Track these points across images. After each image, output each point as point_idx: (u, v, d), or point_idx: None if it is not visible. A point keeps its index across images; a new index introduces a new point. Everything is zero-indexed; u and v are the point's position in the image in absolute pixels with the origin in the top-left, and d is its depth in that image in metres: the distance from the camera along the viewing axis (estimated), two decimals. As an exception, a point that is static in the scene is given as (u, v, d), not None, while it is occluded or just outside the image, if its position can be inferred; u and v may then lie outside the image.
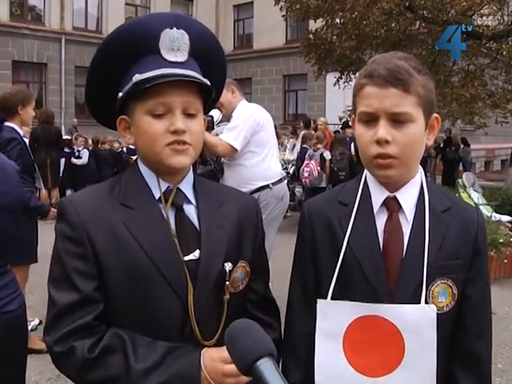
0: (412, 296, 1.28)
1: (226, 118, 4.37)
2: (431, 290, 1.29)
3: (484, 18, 11.65)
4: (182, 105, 1.25)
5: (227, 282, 1.28)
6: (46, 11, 19.50)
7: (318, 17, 12.67)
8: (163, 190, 1.30)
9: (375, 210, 1.36)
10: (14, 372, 2.12)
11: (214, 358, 1.15)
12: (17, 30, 18.32)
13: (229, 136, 4.07)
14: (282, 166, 8.04)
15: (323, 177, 9.24)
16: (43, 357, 3.63)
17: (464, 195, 8.70)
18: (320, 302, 1.33)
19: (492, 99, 11.76)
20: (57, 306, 1.21)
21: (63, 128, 16.65)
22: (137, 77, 1.23)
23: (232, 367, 1.06)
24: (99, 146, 12.68)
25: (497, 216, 7.83)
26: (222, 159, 4.41)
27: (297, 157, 10.36)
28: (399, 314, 1.26)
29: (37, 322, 4.42)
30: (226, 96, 4.10)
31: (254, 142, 4.17)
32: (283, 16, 14.21)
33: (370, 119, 1.29)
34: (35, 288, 4.41)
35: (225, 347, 1.10)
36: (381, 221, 1.35)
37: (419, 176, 1.39)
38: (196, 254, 1.27)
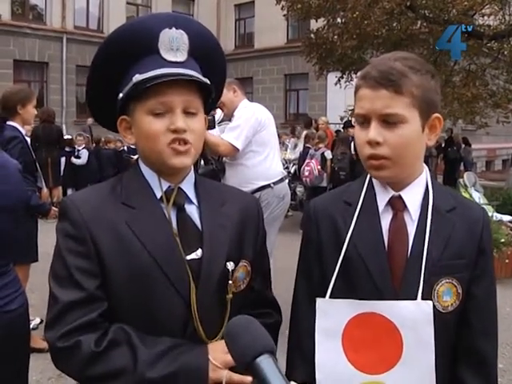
0: (417, 295, 1.27)
1: (228, 117, 4.37)
2: (436, 290, 1.29)
3: (485, 17, 11.62)
4: (182, 104, 1.25)
5: (230, 282, 1.28)
6: (47, 10, 19.51)
7: (319, 16, 12.67)
8: (164, 190, 1.30)
9: (380, 210, 1.36)
10: (15, 371, 2.13)
11: (220, 349, 1.16)
12: (18, 29, 18.32)
13: (230, 136, 4.07)
14: (283, 165, 8.03)
15: (324, 176, 9.25)
16: (44, 356, 3.63)
17: (465, 195, 8.68)
18: (319, 301, 1.34)
19: (493, 99, 11.74)
20: (59, 303, 1.21)
21: (64, 127, 16.68)
22: (137, 77, 1.24)
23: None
24: (101, 145, 12.68)
25: (498, 216, 7.83)
26: (224, 159, 4.41)
27: (299, 156, 10.36)
28: (396, 310, 1.26)
29: (38, 321, 4.42)
30: (227, 95, 4.10)
31: (255, 141, 4.17)
32: (284, 15, 14.21)
33: (364, 121, 1.30)
34: (36, 287, 4.41)
35: None
36: (386, 220, 1.35)
37: (424, 175, 1.38)
38: (198, 253, 1.28)
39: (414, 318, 1.26)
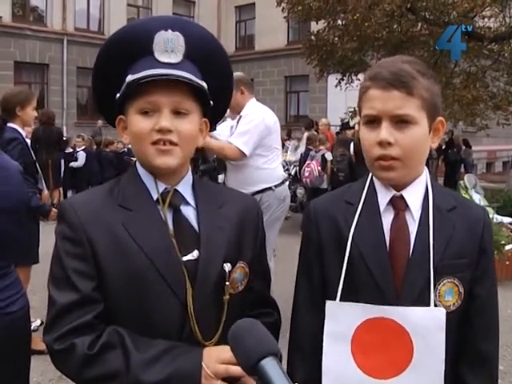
0: (419, 295, 1.28)
1: (233, 117, 4.35)
2: (438, 289, 1.29)
3: (486, 19, 11.63)
4: (171, 104, 1.25)
5: (227, 283, 1.28)
6: (48, 12, 19.52)
7: (319, 18, 12.67)
8: (161, 192, 1.31)
9: (381, 209, 1.36)
10: (15, 371, 2.13)
11: (214, 357, 1.16)
12: (19, 30, 18.34)
13: (239, 140, 4.06)
14: (284, 167, 8.04)
15: (324, 177, 9.26)
16: (45, 357, 3.59)
17: (466, 197, 8.69)
18: (329, 304, 1.33)
19: (494, 101, 11.75)
20: (56, 306, 1.22)
21: (65, 129, 16.68)
22: (129, 77, 1.26)
23: (226, 367, 1.10)
24: (101, 147, 12.67)
25: (498, 218, 7.83)
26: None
27: (300, 158, 10.37)
28: (408, 316, 1.26)
29: (38, 322, 4.41)
30: (234, 96, 4.09)
31: (261, 145, 4.17)
32: (285, 17, 14.21)
33: (374, 121, 1.30)
34: (37, 289, 4.41)
35: (224, 346, 1.11)
36: (387, 220, 1.35)
37: (424, 176, 1.39)
38: (194, 254, 1.28)
39: (426, 324, 1.26)
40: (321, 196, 1.55)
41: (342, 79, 13.68)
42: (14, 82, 17.57)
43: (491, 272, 1.38)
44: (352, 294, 1.31)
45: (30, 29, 18.66)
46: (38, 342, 3.79)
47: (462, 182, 9.83)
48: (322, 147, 9.55)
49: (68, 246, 1.25)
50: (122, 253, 1.23)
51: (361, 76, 11.76)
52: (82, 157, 11.93)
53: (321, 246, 1.40)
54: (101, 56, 1.32)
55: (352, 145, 8.60)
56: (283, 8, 13.14)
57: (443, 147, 15.85)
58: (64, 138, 11.84)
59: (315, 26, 13.68)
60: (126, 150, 12.56)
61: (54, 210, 4.34)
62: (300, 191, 10.81)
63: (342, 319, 1.31)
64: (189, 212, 1.33)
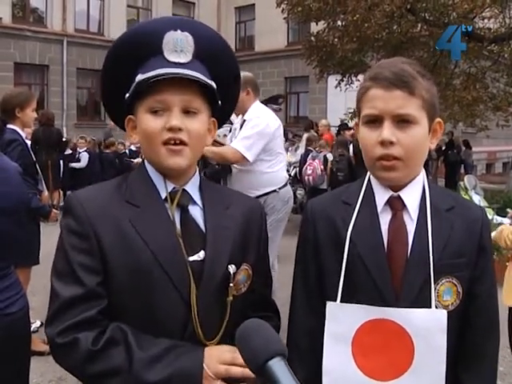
0: (417, 295, 1.28)
1: (236, 115, 4.34)
2: (436, 289, 1.29)
3: (486, 20, 11.65)
4: (180, 103, 1.26)
5: (231, 284, 1.28)
6: (47, 13, 19.51)
7: (319, 19, 12.68)
8: (169, 191, 1.31)
9: (379, 209, 1.36)
10: (15, 371, 2.13)
11: (216, 357, 1.17)
12: (19, 31, 18.32)
13: (241, 145, 4.03)
14: (284, 167, 8.03)
15: (325, 177, 9.27)
16: (45, 359, 3.63)
17: (466, 198, 8.70)
18: (330, 305, 1.33)
19: (493, 102, 11.77)
20: (60, 299, 1.22)
21: (65, 130, 16.68)
22: (139, 77, 1.27)
23: (227, 368, 1.12)
24: (102, 148, 12.67)
25: (498, 219, 7.82)
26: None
27: (300, 159, 10.37)
28: (409, 317, 1.26)
29: (38, 324, 4.40)
30: (240, 95, 4.07)
31: (265, 150, 4.16)
32: (285, 18, 14.23)
33: (375, 121, 1.30)
34: (37, 290, 4.41)
35: (225, 346, 1.12)
36: (385, 220, 1.35)
37: (422, 176, 1.39)
38: (200, 255, 1.28)
39: (427, 326, 1.26)
40: (319, 196, 1.55)
41: (342, 80, 13.70)
42: (14, 83, 17.56)
43: (490, 272, 1.38)
44: (351, 295, 1.31)
45: (29, 30, 18.65)
46: (37, 344, 3.79)
47: (461, 183, 9.86)
48: (323, 150, 9.61)
49: (74, 239, 1.24)
50: (128, 248, 1.23)
51: (361, 77, 11.73)
52: (84, 158, 11.95)
53: (318, 246, 1.40)
54: (110, 57, 1.33)
55: (351, 146, 8.62)
56: (283, 9, 13.16)
57: (443, 148, 15.86)
58: (63, 139, 11.87)
59: (315, 27, 13.69)
60: (126, 151, 12.59)
61: (54, 211, 4.35)
62: (300, 192, 10.81)
63: (342, 320, 1.31)
64: (196, 212, 1.34)
